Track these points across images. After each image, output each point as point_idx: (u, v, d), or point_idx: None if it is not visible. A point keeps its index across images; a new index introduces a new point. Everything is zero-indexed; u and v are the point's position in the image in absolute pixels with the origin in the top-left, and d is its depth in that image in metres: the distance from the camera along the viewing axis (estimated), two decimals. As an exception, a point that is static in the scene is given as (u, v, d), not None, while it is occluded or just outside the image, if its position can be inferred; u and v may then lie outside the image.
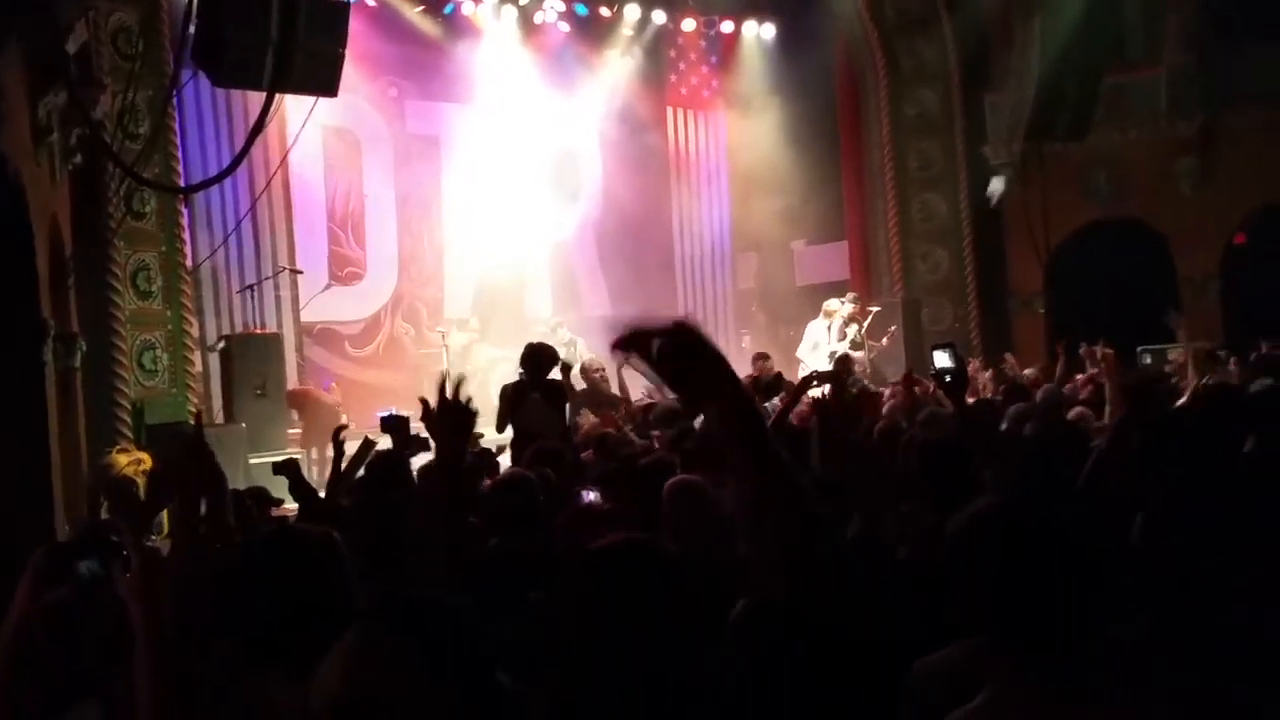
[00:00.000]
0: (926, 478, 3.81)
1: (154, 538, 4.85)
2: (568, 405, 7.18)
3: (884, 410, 7.64)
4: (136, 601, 2.15)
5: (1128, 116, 14.18)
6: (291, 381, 12.36)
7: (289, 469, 5.13)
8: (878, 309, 13.81)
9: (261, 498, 5.26)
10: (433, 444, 2.74)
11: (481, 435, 8.56)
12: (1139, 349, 11.96)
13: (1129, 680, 1.96)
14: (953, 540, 2.01)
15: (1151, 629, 2.27)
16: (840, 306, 13.08)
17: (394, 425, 4.96)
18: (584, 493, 4.16)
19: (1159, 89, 13.95)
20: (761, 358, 11.55)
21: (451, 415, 2.61)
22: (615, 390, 9.05)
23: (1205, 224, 13.50)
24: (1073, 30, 13.84)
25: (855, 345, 12.84)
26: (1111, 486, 3.35)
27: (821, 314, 13.14)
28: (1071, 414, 5.94)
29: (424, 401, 2.73)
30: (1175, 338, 10.97)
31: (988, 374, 10.68)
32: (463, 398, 2.61)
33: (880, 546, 3.19)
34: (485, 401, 13.97)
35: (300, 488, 5.00)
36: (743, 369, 14.92)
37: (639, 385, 9.35)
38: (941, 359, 4.63)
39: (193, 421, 2.99)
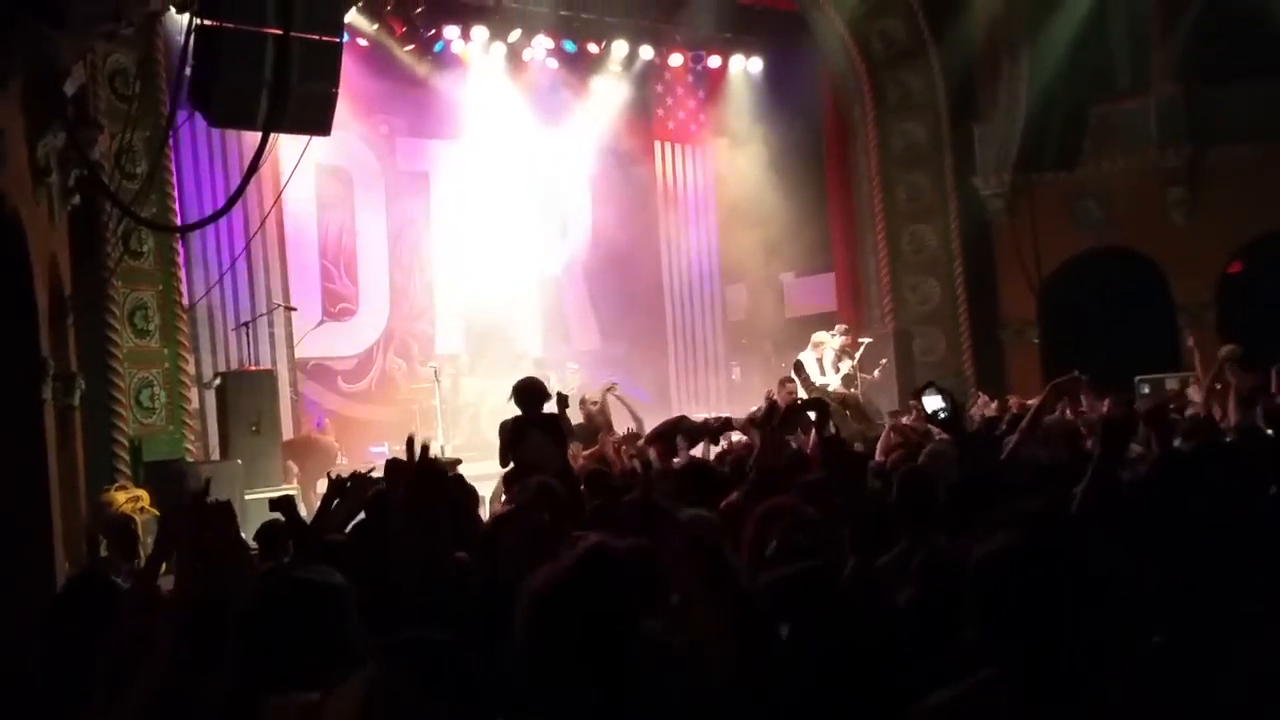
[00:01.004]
0: (917, 513, 3.83)
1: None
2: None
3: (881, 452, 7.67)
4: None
5: (1116, 146, 14.31)
6: (286, 418, 12.37)
7: (285, 505, 5.15)
8: (869, 341, 13.86)
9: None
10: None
11: (459, 461, 8.62)
12: (1137, 379, 11.97)
13: (1138, 707, 2.01)
14: (975, 574, 2.06)
15: (1159, 659, 2.31)
16: (829, 339, 13.10)
17: (397, 469, 5.00)
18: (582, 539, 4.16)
19: (1147, 119, 14.10)
20: (787, 381, 11.59)
21: (428, 483, 2.65)
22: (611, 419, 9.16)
23: (1198, 253, 13.57)
24: (1059, 61, 14.04)
25: (848, 379, 12.87)
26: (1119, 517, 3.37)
27: (810, 346, 13.19)
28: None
29: (395, 464, 2.76)
30: (1183, 364, 10.97)
31: (993, 406, 10.66)
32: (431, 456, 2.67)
33: (876, 587, 3.21)
34: (477, 436, 14.03)
35: (296, 525, 5.01)
36: (737, 401, 14.98)
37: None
38: (932, 402, 4.66)
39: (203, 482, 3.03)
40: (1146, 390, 11.66)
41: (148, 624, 2.73)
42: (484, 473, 10.63)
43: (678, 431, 7.30)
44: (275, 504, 5.25)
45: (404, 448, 2.73)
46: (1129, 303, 13.70)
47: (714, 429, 7.54)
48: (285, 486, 10.49)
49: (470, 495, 5.54)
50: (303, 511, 5.36)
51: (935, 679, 2.22)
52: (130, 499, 8.88)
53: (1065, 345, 13.54)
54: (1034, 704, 1.96)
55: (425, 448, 2.72)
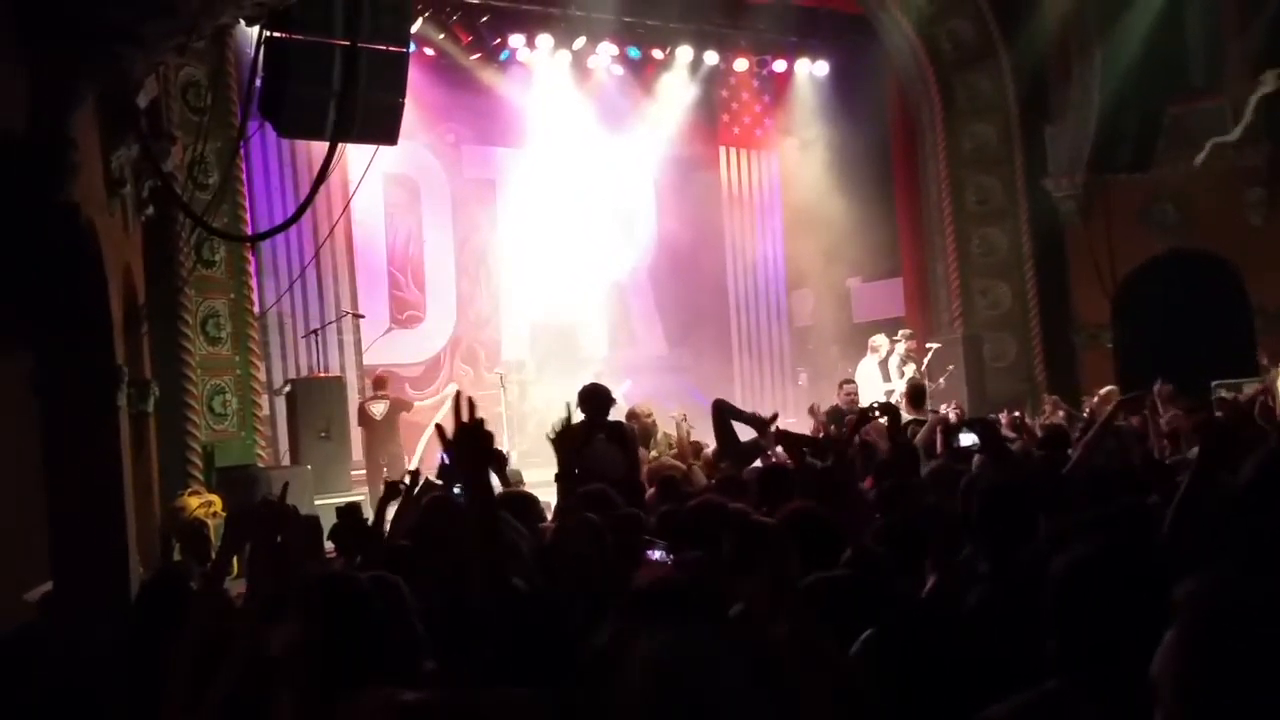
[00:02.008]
0: (987, 521, 3.75)
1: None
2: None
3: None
4: None
5: (1192, 147, 13.97)
6: (354, 424, 12.51)
7: (350, 514, 5.22)
8: (937, 346, 13.67)
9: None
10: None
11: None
12: (1213, 384, 11.63)
13: None
14: (1057, 580, 2.01)
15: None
16: (885, 343, 12.94)
17: (451, 473, 5.04)
18: (652, 551, 4.12)
19: (1223, 118, 13.75)
20: (847, 382, 11.46)
21: (470, 440, 2.62)
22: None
23: (1277, 255, 13.18)
24: (1133, 60, 13.73)
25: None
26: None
27: (869, 350, 13.02)
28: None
29: (440, 429, 2.75)
30: (1256, 370, 10.66)
31: (1060, 414, 10.43)
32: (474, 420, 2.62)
33: (953, 596, 3.15)
34: (542, 443, 14.06)
35: (360, 531, 5.08)
36: (803, 407, 14.85)
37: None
38: (966, 438, 4.70)
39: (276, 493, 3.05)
40: (1224, 396, 11.30)
41: (218, 625, 2.76)
42: (548, 480, 10.68)
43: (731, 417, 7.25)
44: (341, 512, 5.35)
45: (452, 406, 2.68)
46: (1205, 306, 13.34)
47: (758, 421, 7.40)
48: (354, 492, 10.63)
49: (533, 505, 5.53)
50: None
51: (1002, 688, 2.17)
52: (203, 504, 9.06)
53: (1140, 350, 13.23)
54: (1112, 715, 1.90)
55: (472, 405, 2.68)
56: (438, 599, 3.54)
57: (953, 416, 7.79)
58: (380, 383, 12.65)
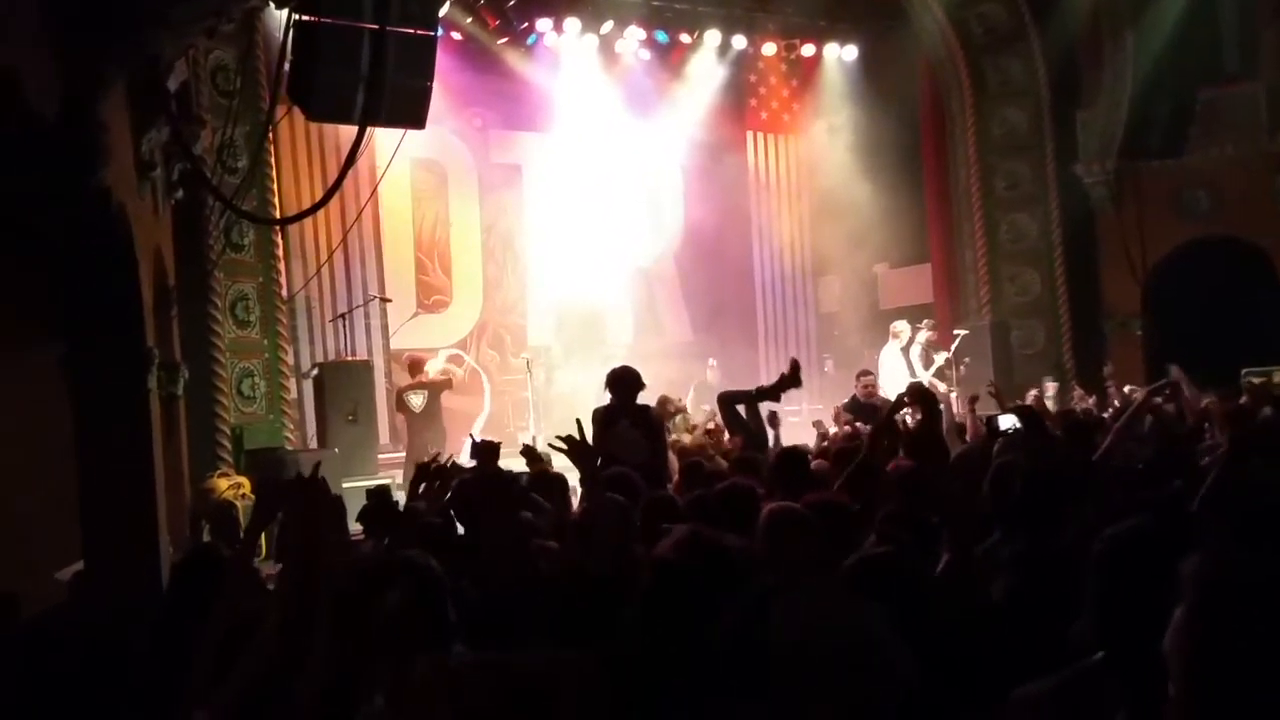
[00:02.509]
0: (1026, 507, 3.73)
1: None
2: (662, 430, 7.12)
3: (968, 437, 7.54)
4: None
5: (1225, 133, 13.79)
6: (381, 408, 12.56)
7: (380, 496, 5.26)
8: (964, 333, 13.59)
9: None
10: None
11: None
12: (1243, 372, 11.50)
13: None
14: (1098, 559, 2.02)
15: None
16: (907, 329, 12.88)
17: (482, 451, 5.10)
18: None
19: (1257, 104, 13.56)
20: (864, 373, 11.37)
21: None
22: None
23: (1310, 243, 13.03)
24: (1165, 45, 13.56)
25: (941, 372, 12.63)
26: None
27: (891, 336, 12.96)
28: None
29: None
30: None
31: (1090, 401, 10.38)
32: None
33: (970, 579, 3.14)
34: (569, 428, 14.13)
35: (391, 513, 5.11)
36: (829, 394, 14.81)
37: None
38: (1005, 420, 4.70)
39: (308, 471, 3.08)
40: (1254, 383, 11.17)
41: (247, 604, 2.79)
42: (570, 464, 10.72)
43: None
44: (371, 494, 5.39)
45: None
46: (1237, 294, 13.17)
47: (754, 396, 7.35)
48: (380, 476, 10.69)
49: (561, 486, 5.56)
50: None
51: (1032, 668, 2.20)
52: (232, 486, 9.14)
53: (1170, 338, 13.10)
54: (1144, 692, 1.90)
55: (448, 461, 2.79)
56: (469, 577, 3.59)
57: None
58: (416, 366, 12.53)
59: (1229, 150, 13.66)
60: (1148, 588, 1.91)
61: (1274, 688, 1.47)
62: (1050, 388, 12.61)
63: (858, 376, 11.31)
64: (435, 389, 12.21)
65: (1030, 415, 4.97)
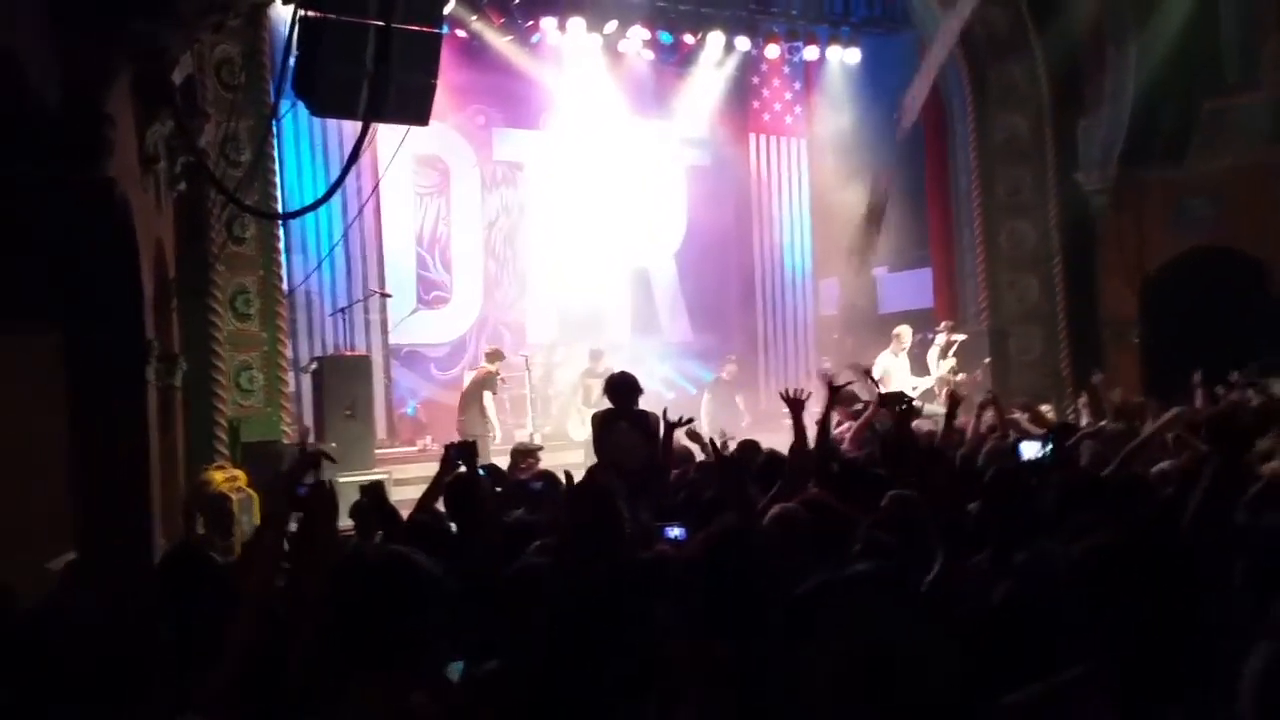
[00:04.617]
0: (1008, 514, 3.75)
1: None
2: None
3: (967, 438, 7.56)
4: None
5: (1226, 143, 13.80)
6: (379, 403, 12.58)
7: (374, 492, 5.27)
8: (962, 338, 13.62)
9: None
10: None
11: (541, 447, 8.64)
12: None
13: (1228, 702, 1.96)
14: (1075, 569, 2.04)
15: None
16: (909, 335, 12.89)
17: (463, 453, 5.13)
18: (668, 529, 4.18)
19: (1260, 114, 13.57)
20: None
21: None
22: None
23: (1308, 254, 13.05)
24: (1168, 54, 13.58)
25: (944, 381, 12.64)
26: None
27: (893, 340, 12.96)
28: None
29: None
30: None
31: (1081, 400, 10.41)
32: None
33: (963, 584, 3.16)
34: (563, 426, 14.21)
35: (384, 510, 5.12)
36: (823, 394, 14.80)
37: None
38: (1029, 449, 4.76)
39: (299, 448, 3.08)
40: (1249, 394, 11.18)
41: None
42: (569, 462, 10.74)
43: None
44: (365, 490, 5.39)
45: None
46: (1234, 303, 13.20)
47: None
48: (376, 471, 10.70)
49: (555, 483, 5.58)
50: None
51: (1028, 676, 2.20)
52: (228, 479, 9.13)
53: (1167, 346, 13.13)
54: (1129, 701, 1.95)
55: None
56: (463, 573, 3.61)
57: (988, 416, 7.72)
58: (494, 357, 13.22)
59: (1230, 160, 13.66)
60: (1123, 601, 1.94)
61: None
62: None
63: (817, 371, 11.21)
64: (475, 382, 12.58)
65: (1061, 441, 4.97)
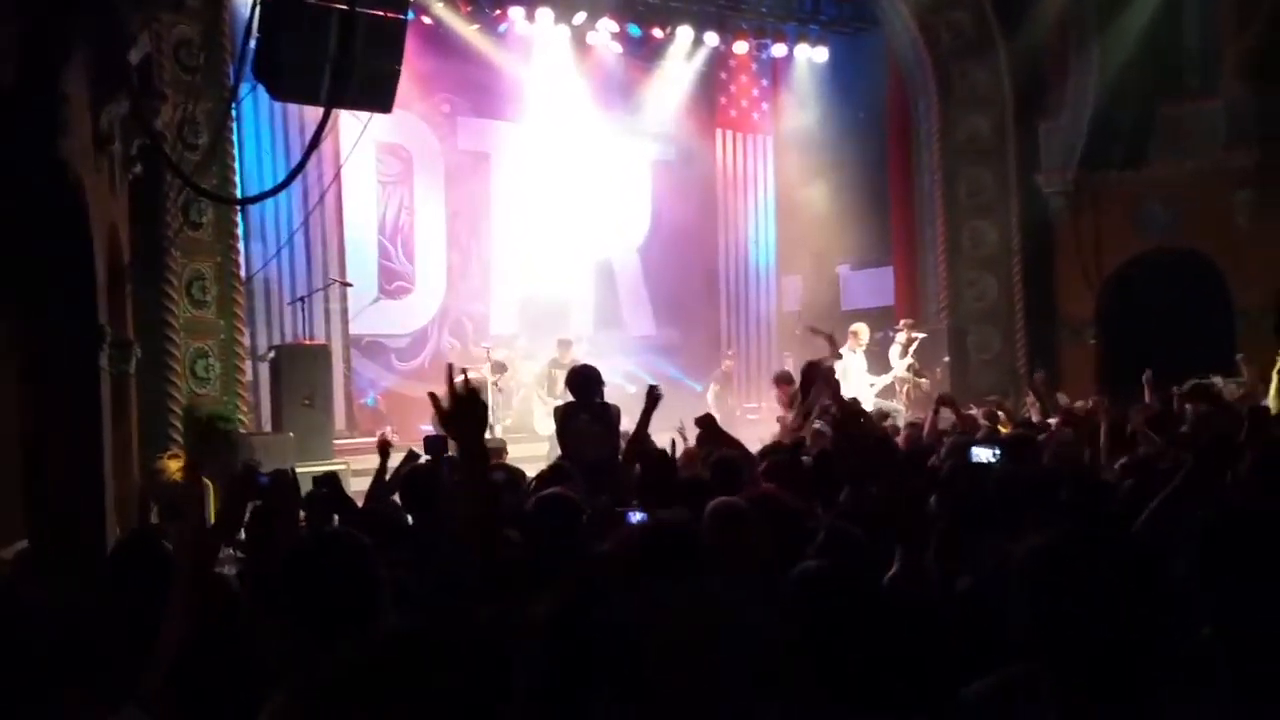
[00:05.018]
0: (1003, 508, 3.78)
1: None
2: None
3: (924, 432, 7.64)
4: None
5: (1184, 147, 13.99)
6: (338, 393, 12.46)
7: (329, 482, 5.22)
8: (923, 336, 13.71)
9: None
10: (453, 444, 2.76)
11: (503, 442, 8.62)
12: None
13: (1184, 699, 1.99)
14: (1019, 567, 2.05)
15: (1208, 647, 2.26)
16: (867, 332, 12.93)
17: (435, 446, 5.10)
18: (630, 513, 4.17)
19: (1217, 120, 13.76)
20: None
21: (465, 408, 2.61)
22: None
23: (1262, 257, 13.24)
24: (1129, 58, 13.74)
25: (906, 380, 12.71)
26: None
27: (849, 336, 13.00)
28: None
29: (433, 397, 2.72)
30: (1234, 371, 10.72)
31: (1029, 399, 10.52)
32: (469, 389, 2.61)
33: (925, 579, 3.16)
34: (528, 418, 14.15)
35: (340, 500, 5.08)
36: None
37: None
38: (981, 453, 4.82)
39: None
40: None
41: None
42: (530, 455, 10.69)
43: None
44: (320, 480, 5.33)
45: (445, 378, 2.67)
46: (1189, 306, 13.40)
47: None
48: (334, 461, 10.60)
49: (519, 476, 5.56)
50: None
51: (985, 671, 2.23)
52: (182, 467, 9.01)
53: (1122, 346, 13.30)
54: (1076, 697, 1.97)
55: (465, 376, 2.69)
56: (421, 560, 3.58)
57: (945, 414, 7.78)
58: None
59: (1188, 165, 13.84)
60: (1069, 597, 1.97)
61: None
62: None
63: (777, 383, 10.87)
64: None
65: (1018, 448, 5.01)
